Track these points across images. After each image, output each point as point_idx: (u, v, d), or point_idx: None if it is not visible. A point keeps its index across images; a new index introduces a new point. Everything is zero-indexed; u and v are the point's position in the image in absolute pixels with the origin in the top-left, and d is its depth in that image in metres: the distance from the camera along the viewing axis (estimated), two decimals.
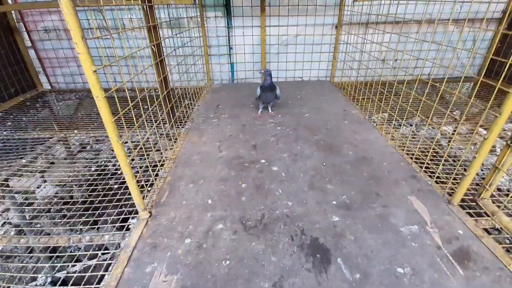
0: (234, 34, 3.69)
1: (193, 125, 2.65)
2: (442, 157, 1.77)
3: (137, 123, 1.50)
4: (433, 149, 1.89)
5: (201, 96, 3.49)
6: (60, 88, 4.02)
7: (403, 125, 2.71)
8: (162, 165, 2.03)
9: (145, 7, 1.97)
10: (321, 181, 1.81)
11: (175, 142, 2.32)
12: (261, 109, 2.83)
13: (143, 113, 1.71)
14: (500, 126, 1.28)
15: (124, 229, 1.52)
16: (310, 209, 1.58)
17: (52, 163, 2.41)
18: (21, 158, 2.30)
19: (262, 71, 2.59)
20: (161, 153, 2.13)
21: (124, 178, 1.56)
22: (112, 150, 2.46)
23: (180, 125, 2.65)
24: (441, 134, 2.75)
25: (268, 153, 2.14)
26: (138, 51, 1.57)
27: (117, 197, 1.76)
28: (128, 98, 1.44)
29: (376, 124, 2.55)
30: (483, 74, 1.56)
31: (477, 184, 1.89)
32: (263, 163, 2.01)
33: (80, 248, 1.66)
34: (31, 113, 3.21)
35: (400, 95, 2.53)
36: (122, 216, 1.65)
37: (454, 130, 2.63)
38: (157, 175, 1.92)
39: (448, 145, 1.83)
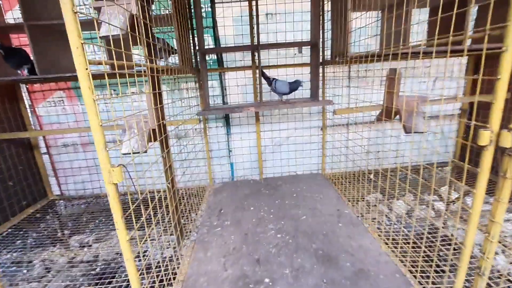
0: (233, 139, 4.19)
1: (198, 236, 2.77)
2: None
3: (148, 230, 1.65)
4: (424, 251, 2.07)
5: (204, 197, 3.72)
6: (70, 195, 4.25)
7: (394, 221, 2.89)
8: None
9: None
10: None
11: (181, 259, 2.39)
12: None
13: (153, 221, 1.87)
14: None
15: None
16: None
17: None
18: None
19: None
20: (168, 273, 2.14)
21: None
22: None
23: (186, 236, 2.75)
24: (433, 210, 2.89)
25: (271, 269, 2.23)
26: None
27: None
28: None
29: (369, 225, 2.73)
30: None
31: None
32: (267, 283, 2.08)
33: None
34: (41, 228, 3.34)
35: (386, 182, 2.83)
36: None
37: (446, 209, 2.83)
38: None
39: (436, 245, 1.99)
